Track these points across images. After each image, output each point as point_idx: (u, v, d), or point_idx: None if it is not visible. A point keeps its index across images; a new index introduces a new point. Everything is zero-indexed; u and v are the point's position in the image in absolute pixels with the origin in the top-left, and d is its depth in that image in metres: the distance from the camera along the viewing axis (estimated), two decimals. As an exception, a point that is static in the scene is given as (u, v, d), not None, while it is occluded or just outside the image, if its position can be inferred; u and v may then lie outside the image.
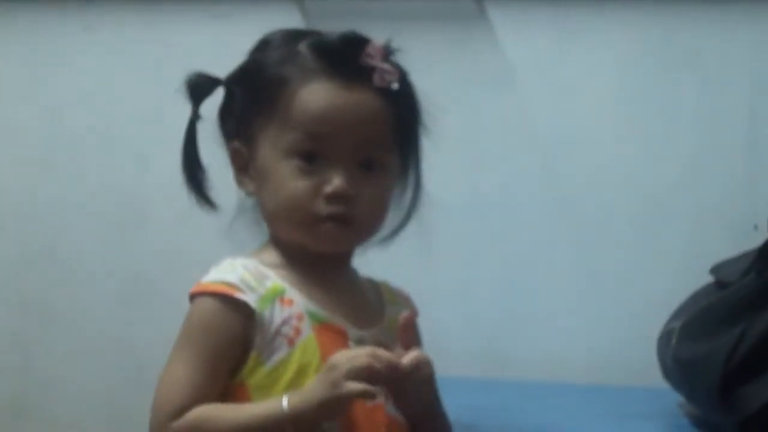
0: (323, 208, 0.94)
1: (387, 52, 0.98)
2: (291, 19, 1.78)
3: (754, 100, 1.78)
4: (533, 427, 1.36)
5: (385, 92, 0.96)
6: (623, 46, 1.86)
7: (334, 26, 0.99)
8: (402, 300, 1.08)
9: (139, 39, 2.00)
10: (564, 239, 1.85)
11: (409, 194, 1.05)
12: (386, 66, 0.97)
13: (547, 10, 1.87)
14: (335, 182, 0.94)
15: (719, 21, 1.81)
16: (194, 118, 1.04)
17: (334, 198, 0.94)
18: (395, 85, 0.97)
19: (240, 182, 1.03)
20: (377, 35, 0.97)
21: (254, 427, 0.92)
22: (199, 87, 1.04)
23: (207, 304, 0.96)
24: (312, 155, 0.95)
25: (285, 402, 0.88)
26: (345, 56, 0.96)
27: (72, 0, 2.03)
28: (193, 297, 0.97)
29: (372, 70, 0.96)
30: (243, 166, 1.02)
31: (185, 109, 1.68)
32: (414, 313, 1.06)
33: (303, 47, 0.98)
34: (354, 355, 0.87)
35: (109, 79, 1.99)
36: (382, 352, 0.87)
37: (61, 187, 2.03)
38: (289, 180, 0.96)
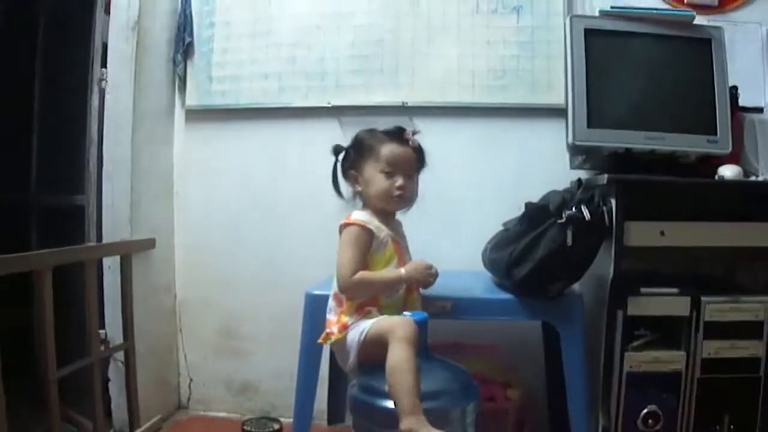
0: (395, 192, 2.07)
1: (413, 132, 2.13)
2: (334, 126, 3.08)
3: (521, 163, 3.01)
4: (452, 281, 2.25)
5: (413, 149, 2.11)
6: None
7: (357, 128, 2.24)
8: (399, 223, 2.22)
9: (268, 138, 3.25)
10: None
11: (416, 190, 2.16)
12: (414, 138, 2.12)
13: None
14: (399, 182, 2.07)
15: (524, 136, 3.03)
16: (336, 162, 2.19)
17: (399, 189, 2.07)
18: (416, 146, 2.13)
19: (353, 186, 2.15)
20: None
21: (387, 280, 2.04)
22: (337, 150, 2.20)
23: (355, 228, 2.05)
24: (389, 171, 2.07)
25: (402, 271, 2.03)
26: (399, 133, 2.12)
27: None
28: (345, 225, 2.05)
29: (409, 138, 2.11)
30: (355, 180, 2.14)
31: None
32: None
33: (378, 133, 2.13)
34: (434, 270, 2.06)
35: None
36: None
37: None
38: (381, 183, 2.08)
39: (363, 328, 1.96)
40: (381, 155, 2.10)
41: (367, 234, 2.06)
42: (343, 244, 2.05)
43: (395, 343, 1.80)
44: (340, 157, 2.21)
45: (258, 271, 3.26)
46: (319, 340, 2.08)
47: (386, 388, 1.79)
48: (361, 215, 2.10)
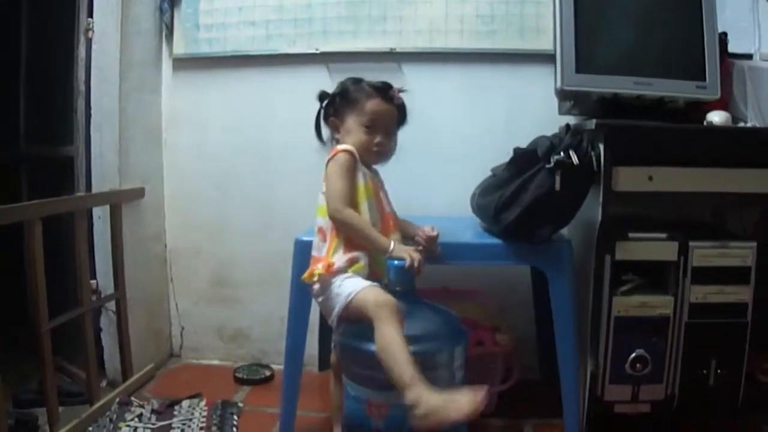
0: (374, 147, 2.12)
1: (399, 90, 2.15)
2: (323, 72, 3.12)
3: (509, 109, 3.04)
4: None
5: (397, 106, 2.15)
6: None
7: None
8: (376, 171, 2.23)
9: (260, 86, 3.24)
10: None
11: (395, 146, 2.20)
12: (399, 95, 2.15)
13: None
14: (378, 139, 2.11)
15: (512, 82, 3.06)
16: (320, 108, 2.22)
17: (378, 145, 2.12)
18: (400, 104, 2.16)
19: (333, 134, 2.18)
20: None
21: (373, 240, 2.01)
22: (323, 96, 2.22)
23: (345, 156, 2.05)
24: (370, 126, 2.10)
25: (391, 245, 1.99)
26: (386, 90, 2.13)
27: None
28: (335, 155, 2.05)
29: (394, 96, 2.13)
30: (336, 128, 2.17)
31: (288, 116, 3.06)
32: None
33: (365, 85, 2.14)
34: (419, 255, 1.98)
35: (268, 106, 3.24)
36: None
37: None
38: (360, 136, 2.11)
39: (349, 291, 1.95)
40: (365, 110, 2.12)
41: (352, 158, 2.08)
42: (332, 175, 2.06)
43: (380, 325, 1.81)
44: (325, 103, 2.23)
45: (248, 218, 3.27)
46: (304, 277, 2.08)
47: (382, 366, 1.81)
48: (346, 145, 2.12)
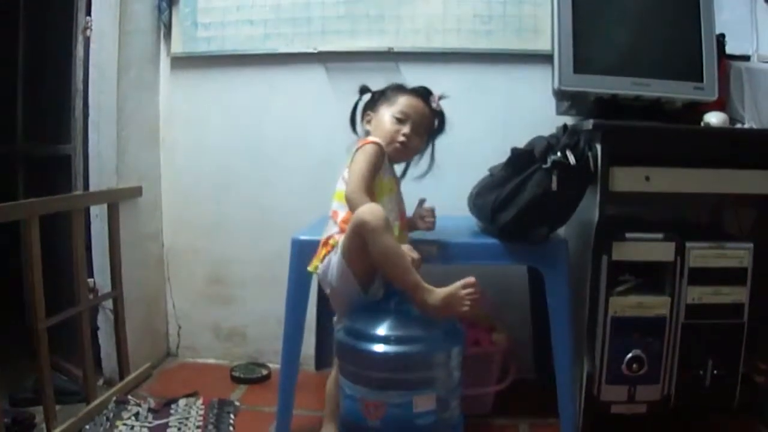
0: (399, 137, 2.15)
1: (439, 98, 2.23)
2: (321, 73, 3.12)
3: (507, 109, 3.04)
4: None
5: (434, 111, 2.22)
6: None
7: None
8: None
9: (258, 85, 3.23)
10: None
11: (427, 160, 2.30)
12: (438, 102, 2.22)
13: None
14: (406, 130, 2.15)
15: (510, 82, 3.04)
16: (358, 101, 2.29)
17: (404, 136, 2.15)
18: (439, 110, 2.23)
19: (364, 125, 2.24)
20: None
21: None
22: (363, 90, 2.28)
23: (374, 146, 2.09)
24: (400, 118, 2.15)
25: (403, 249, 1.94)
26: (425, 93, 2.21)
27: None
28: (363, 145, 2.09)
29: (433, 101, 2.20)
30: (369, 120, 2.22)
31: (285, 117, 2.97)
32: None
33: (405, 87, 2.23)
34: (417, 254, 1.99)
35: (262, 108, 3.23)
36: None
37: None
38: (389, 125, 2.16)
39: (336, 251, 2.01)
40: (398, 101, 2.18)
41: (381, 151, 2.12)
42: (358, 161, 2.08)
43: (372, 236, 1.85)
44: (365, 96, 2.28)
45: (245, 217, 3.26)
46: (311, 268, 2.12)
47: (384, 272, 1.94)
48: (376, 138, 2.15)
